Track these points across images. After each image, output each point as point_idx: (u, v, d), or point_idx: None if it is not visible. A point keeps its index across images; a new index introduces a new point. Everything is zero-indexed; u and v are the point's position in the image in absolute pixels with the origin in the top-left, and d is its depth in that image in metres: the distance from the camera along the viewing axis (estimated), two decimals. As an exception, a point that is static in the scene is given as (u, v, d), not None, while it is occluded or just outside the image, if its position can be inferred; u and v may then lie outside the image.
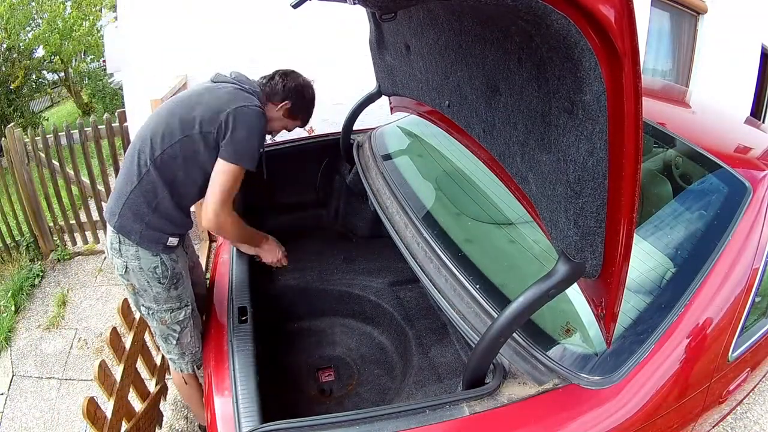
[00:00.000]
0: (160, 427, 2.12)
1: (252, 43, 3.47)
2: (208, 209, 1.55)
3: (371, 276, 2.12)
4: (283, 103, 1.73)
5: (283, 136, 2.01)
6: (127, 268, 1.56)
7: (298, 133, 3.44)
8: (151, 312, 1.62)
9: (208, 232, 3.65)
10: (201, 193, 1.61)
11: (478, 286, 1.35)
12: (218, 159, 1.54)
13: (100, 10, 8.67)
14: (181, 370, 1.72)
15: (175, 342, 1.65)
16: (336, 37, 3.45)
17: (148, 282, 1.57)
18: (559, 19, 0.74)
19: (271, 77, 1.76)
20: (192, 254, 1.88)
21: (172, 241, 1.58)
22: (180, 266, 1.63)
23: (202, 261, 3.43)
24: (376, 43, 1.78)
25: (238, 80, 1.67)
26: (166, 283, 1.58)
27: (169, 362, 1.74)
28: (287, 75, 1.77)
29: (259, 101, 1.64)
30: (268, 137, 1.80)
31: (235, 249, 1.88)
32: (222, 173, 1.54)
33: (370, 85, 2.04)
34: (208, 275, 2.54)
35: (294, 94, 1.74)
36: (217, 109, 1.54)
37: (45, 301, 3.39)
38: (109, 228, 1.57)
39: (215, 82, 1.66)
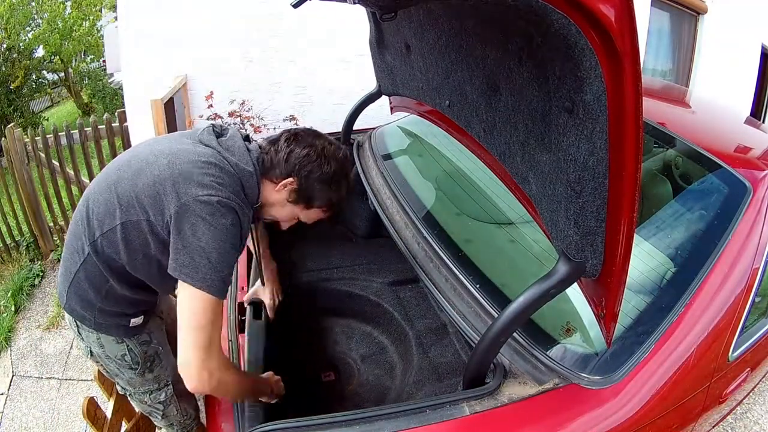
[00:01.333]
0: (160, 427, 2.12)
1: (251, 44, 3.47)
2: (192, 369, 1.04)
3: (371, 276, 2.12)
4: (286, 181, 1.21)
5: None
6: (91, 352, 1.31)
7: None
8: (128, 393, 1.41)
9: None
10: (165, 280, 1.19)
11: (478, 286, 1.35)
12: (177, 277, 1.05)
13: (100, 10, 8.67)
14: None
15: (160, 417, 1.47)
16: (336, 37, 3.45)
17: (118, 368, 1.32)
18: (559, 18, 0.74)
19: (275, 140, 1.25)
20: (169, 309, 1.54)
21: (136, 321, 1.27)
22: (155, 343, 1.34)
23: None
24: (376, 42, 1.78)
25: (225, 146, 1.17)
26: (138, 368, 1.32)
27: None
28: (297, 137, 1.23)
29: (243, 182, 1.15)
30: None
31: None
32: (188, 310, 1.05)
33: (371, 84, 2.04)
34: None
35: (303, 167, 1.20)
36: (164, 192, 1.07)
37: (45, 301, 3.39)
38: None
39: (200, 141, 1.18)
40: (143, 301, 1.29)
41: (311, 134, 1.26)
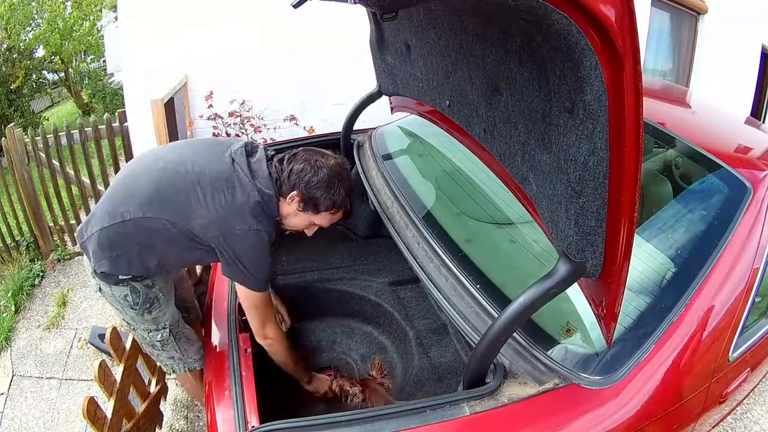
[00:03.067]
0: (160, 427, 2.12)
1: (252, 44, 3.47)
2: (256, 334, 1.52)
3: (371, 276, 2.12)
4: (292, 194, 1.42)
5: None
6: (101, 289, 1.50)
7: (297, 132, 3.46)
8: (131, 327, 1.59)
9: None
10: (185, 262, 1.58)
11: (478, 286, 1.35)
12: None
13: (101, 10, 8.66)
14: (174, 371, 1.69)
15: (159, 352, 1.62)
16: (336, 37, 3.45)
17: (121, 306, 1.50)
18: (560, 19, 0.74)
19: (281, 160, 1.46)
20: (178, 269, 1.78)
21: (124, 277, 1.45)
22: (156, 289, 1.51)
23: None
24: (377, 42, 1.77)
25: (253, 170, 1.40)
26: (138, 309, 1.50)
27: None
28: (294, 156, 1.46)
29: (264, 207, 1.38)
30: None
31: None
32: (243, 299, 1.46)
33: (371, 84, 2.03)
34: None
35: (301, 179, 1.42)
36: (208, 220, 1.34)
37: (45, 301, 3.39)
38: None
39: (233, 161, 1.39)
40: (143, 272, 1.47)
41: (307, 151, 1.48)
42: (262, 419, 1.23)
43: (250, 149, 1.47)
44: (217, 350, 1.56)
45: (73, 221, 3.86)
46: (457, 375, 1.70)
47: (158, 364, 1.74)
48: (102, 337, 2.32)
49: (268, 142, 3.31)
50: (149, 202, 1.35)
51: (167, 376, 2.15)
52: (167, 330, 1.58)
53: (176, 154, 1.44)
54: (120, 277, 1.44)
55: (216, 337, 1.61)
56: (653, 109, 1.89)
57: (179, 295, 1.72)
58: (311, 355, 2.01)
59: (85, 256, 1.49)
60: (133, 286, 1.46)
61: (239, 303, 1.63)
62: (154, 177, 1.38)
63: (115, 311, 1.57)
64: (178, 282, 1.74)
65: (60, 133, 3.53)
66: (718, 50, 5.43)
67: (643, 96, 0.76)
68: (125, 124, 3.58)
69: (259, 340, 1.53)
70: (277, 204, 1.44)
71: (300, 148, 1.48)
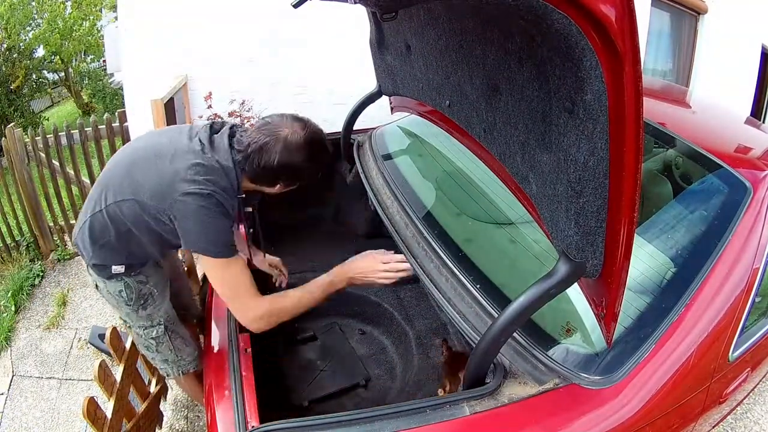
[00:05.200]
0: (160, 427, 2.12)
1: (251, 44, 3.47)
2: (240, 319, 1.39)
3: (371, 276, 2.12)
4: (246, 176, 1.40)
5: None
6: (97, 286, 1.54)
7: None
8: (127, 324, 1.62)
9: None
10: (161, 246, 1.46)
11: (478, 286, 1.35)
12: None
13: (100, 10, 8.67)
14: (168, 374, 1.70)
15: (155, 351, 1.63)
16: (336, 37, 3.45)
17: (116, 302, 1.53)
18: (559, 19, 0.74)
19: (242, 133, 1.42)
20: (173, 264, 1.79)
21: (117, 269, 1.47)
22: (150, 285, 1.53)
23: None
24: (377, 42, 1.77)
25: (213, 143, 1.38)
26: (132, 305, 1.52)
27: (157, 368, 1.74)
28: (260, 128, 1.38)
29: (219, 175, 1.33)
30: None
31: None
32: (211, 277, 1.37)
33: (371, 85, 2.03)
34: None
35: (253, 160, 1.35)
36: (158, 184, 1.32)
37: (45, 301, 3.39)
38: None
39: (198, 139, 1.39)
40: (130, 258, 1.48)
41: (275, 122, 1.39)
42: (262, 419, 1.22)
43: (217, 127, 1.46)
44: (217, 350, 1.56)
45: (73, 221, 3.86)
46: (457, 375, 1.70)
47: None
48: (102, 337, 2.32)
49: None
50: (120, 185, 1.37)
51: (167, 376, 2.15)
52: (162, 326, 1.59)
53: (149, 139, 1.47)
54: (113, 269, 1.46)
55: (216, 337, 1.61)
56: (653, 109, 1.89)
57: (177, 293, 1.73)
58: (311, 355, 2.00)
59: (80, 254, 1.52)
60: (126, 282, 1.49)
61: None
62: (126, 162, 1.41)
63: (113, 308, 1.61)
64: (175, 279, 1.75)
65: (60, 133, 3.53)
66: (718, 50, 5.43)
67: (643, 96, 0.76)
68: (125, 124, 3.59)
69: (256, 328, 1.38)
70: (239, 179, 1.38)
71: (274, 115, 1.43)
